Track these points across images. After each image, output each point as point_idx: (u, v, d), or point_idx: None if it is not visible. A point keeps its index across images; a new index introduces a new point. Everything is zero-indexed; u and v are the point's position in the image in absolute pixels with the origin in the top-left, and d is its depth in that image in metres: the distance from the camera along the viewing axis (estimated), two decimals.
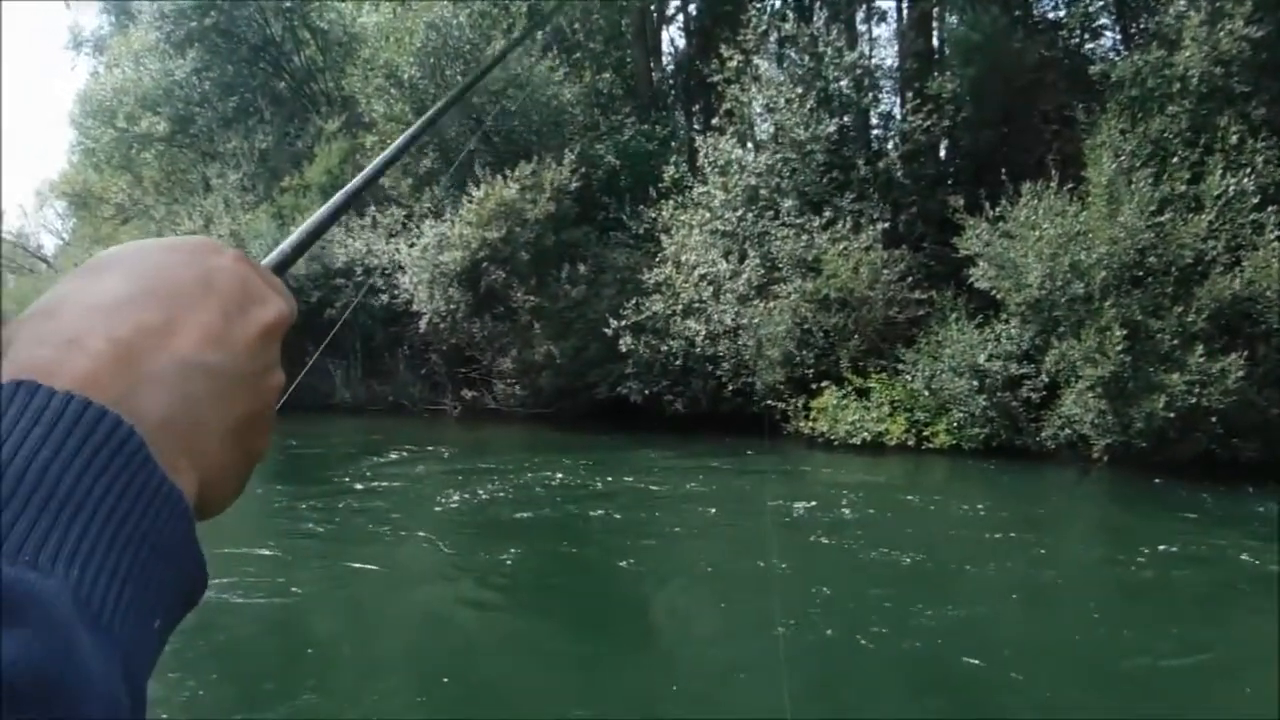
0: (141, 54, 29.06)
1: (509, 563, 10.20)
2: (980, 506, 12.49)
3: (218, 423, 0.50)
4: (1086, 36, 20.44)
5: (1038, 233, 14.73)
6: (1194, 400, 12.73)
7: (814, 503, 12.32)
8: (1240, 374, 12.76)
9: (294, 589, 9.20)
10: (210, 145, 28.24)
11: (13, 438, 0.40)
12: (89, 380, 0.44)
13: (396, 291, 21.72)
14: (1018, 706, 6.50)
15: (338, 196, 0.83)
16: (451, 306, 20.75)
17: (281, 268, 0.69)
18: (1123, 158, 14.62)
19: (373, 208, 23.49)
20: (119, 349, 0.46)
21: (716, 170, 19.10)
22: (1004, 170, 15.71)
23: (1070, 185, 15.16)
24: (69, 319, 0.47)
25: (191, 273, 0.52)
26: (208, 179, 27.69)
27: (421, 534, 11.34)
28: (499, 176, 20.24)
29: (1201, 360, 12.90)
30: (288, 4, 26.72)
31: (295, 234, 0.76)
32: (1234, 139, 14.04)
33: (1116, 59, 17.85)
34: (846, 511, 11.98)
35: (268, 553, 10.75)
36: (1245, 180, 13.63)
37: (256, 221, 24.52)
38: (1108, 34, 21.02)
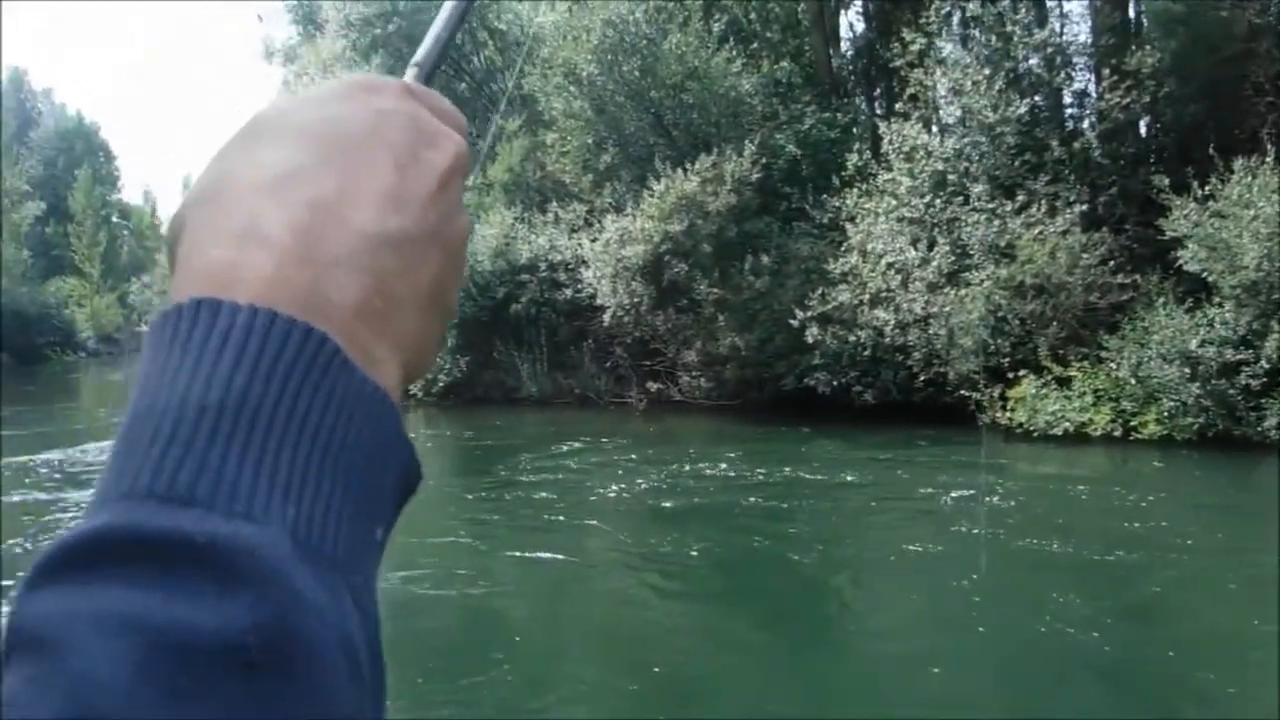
0: (329, 62, 30.48)
1: (694, 553, 10.37)
2: (1193, 499, 12.13)
3: (411, 294, 0.46)
4: None
5: (1253, 211, 14.04)
6: None
7: (1018, 496, 12.15)
8: None
9: (482, 579, 9.50)
10: None
11: (202, 370, 0.38)
12: (274, 282, 0.41)
13: (580, 286, 22.23)
14: (1207, 704, 6.38)
15: None
16: (635, 300, 21.13)
17: (430, 76, 0.61)
18: None
19: (554, 204, 24.12)
20: (298, 236, 0.42)
21: (902, 156, 18.84)
22: (1212, 146, 15.00)
23: None
24: (238, 204, 0.43)
25: (357, 124, 0.47)
26: None
27: (606, 525, 11.60)
28: (679, 170, 20.48)
29: None
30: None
31: (436, 28, 0.64)
32: None
33: None
34: (1051, 504, 11.77)
35: (457, 541, 11.14)
36: None
37: None
38: None
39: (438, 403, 24.28)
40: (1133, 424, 14.84)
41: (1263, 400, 13.82)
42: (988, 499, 11.86)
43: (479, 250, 23.98)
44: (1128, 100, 17.21)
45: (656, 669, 7.24)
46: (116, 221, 76.43)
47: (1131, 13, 20.90)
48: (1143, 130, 18.97)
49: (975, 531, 10.52)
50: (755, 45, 23.42)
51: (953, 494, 12.23)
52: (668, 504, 12.76)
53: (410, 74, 0.60)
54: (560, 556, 10.18)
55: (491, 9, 28.10)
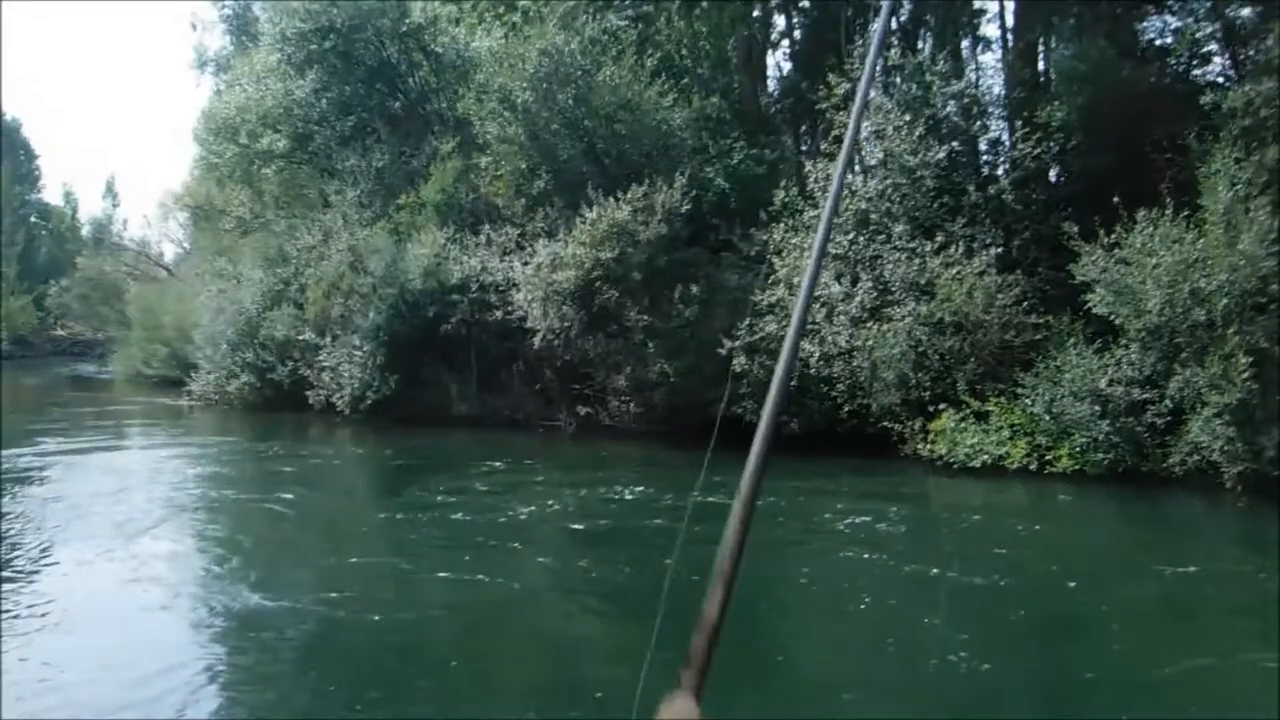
0: (263, 75, 30.37)
1: (620, 578, 10.65)
2: (1082, 530, 13.00)
3: None
4: (1195, 62, 20.61)
5: (1155, 259, 14.91)
6: None
7: (920, 524, 12.87)
8: None
9: (406, 603, 9.67)
10: (328, 162, 29.40)
11: None
12: None
13: (510, 308, 22.49)
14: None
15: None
16: (565, 324, 21.44)
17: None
18: (1238, 186, 14.73)
19: (487, 226, 24.36)
20: None
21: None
22: (1117, 197, 15.85)
23: (1185, 212, 15.31)
24: None
25: None
26: (326, 195, 28.85)
27: (528, 547, 11.88)
28: (611, 198, 20.93)
29: None
30: (404, 28, 27.76)
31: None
32: None
33: (1227, 86, 18.01)
34: (948, 533, 12.39)
35: (379, 562, 11.35)
36: None
37: (374, 237, 25.52)
38: (1217, 59, 21.18)
39: (366, 420, 24.24)
40: (1047, 458, 15.58)
41: (1167, 437, 14.68)
42: (882, 526, 12.57)
43: (410, 269, 24.10)
44: (1038, 150, 18.13)
45: (599, 694, 7.42)
46: (35, 221, 74.42)
47: (1042, 67, 22.05)
48: (1053, 179, 19.95)
49: (867, 557, 11.12)
50: (686, 80, 24.07)
51: (849, 521, 12.93)
52: (588, 527, 13.12)
53: None
54: (482, 578, 10.30)
55: (430, 32, 28.31)
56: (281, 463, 19.55)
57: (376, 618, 9.09)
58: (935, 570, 10.46)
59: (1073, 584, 10.19)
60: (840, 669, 8.20)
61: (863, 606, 9.53)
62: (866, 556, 11.18)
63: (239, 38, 35.67)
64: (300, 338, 25.92)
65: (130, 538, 12.44)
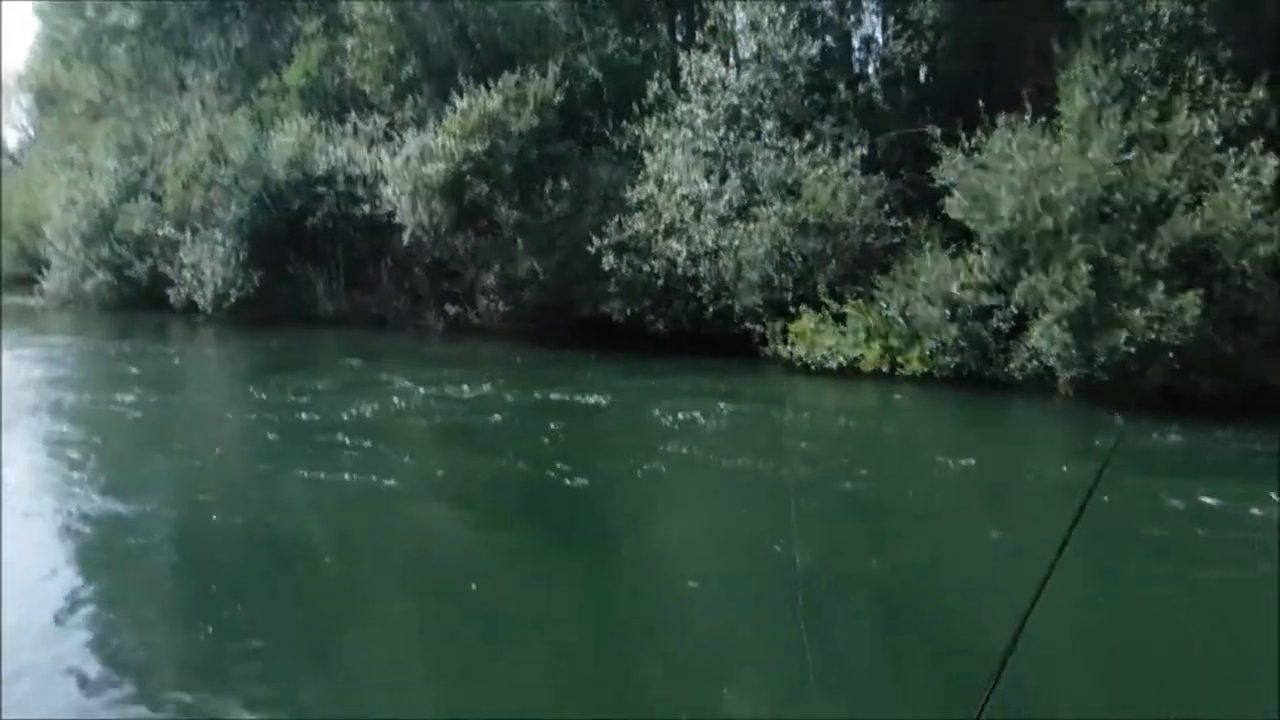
0: None
1: (483, 477, 10.66)
2: (922, 431, 13.42)
3: None
4: None
5: (1010, 166, 15.08)
6: (1153, 336, 13.36)
7: (748, 422, 13.19)
8: (1197, 311, 13.33)
9: (274, 502, 9.51)
10: (184, 42, 27.78)
11: None
12: None
13: (378, 202, 21.88)
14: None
15: None
16: (434, 220, 20.99)
17: None
18: (1094, 93, 14.91)
19: (353, 115, 23.46)
20: None
21: (700, 88, 19.26)
22: (982, 101, 15.94)
23: (1044, 119, 15.48)
24: None
25: None
26: (182, 77, 27.37)
27: (385, 446, 11.69)
28: (482, 87, 20.32)
29: (1162, 297, 13.47)
30: None
31: None
32: (1200, 80, 14.34)
33: None
34: (773, 431, 12.71)
35: (238, 463, 11.21)
36: (1209, 121, 14.03)
37: (235, 125, 24.42)
38: None
39: (229, 319, 23.55)
40: (899, 361, 15.96)
41: (1010, 343, 15.11)
42: (715, 424, 12.84)
43: (274, 159, 23.17)
44: (909, 49, 18.09)
45: (474, 585, 7.30)
46: None
47: None
48: (922, 79, 19.92)
49: (684, 451, 11.36)
50: None
51: (692, 419, 13.03)
52: (461, 429, 13.06)
53: None
54: (341, 476, 10.15)
55: None
56: (138, 363, 18.92)
57: (241, 520, 8.91)
58: (754, 464, 10.69)
59: (865, 471, 10.57)
60: (680, 560, 8.30)
61: (702, 501, 9.72)
62: (692, 452, 11.35)
63: None
64: (159, 232, 24.85)
65: None
